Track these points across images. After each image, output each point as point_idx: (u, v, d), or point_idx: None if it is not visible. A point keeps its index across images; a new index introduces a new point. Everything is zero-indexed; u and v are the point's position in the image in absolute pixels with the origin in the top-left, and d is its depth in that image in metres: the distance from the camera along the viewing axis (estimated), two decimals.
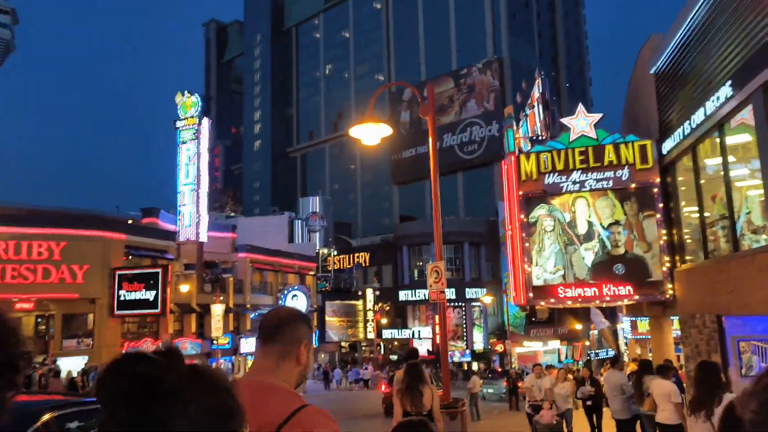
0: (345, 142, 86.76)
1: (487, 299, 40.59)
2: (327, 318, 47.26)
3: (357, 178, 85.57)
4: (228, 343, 30.88)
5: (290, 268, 43.41)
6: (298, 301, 39.12)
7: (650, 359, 10.31)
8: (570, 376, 14.07)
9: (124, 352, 1.03)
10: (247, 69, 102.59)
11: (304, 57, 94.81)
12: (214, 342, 30.52)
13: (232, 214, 57.99)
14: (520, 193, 14.12)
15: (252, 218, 58.72)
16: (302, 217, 53.76)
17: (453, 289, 46.28)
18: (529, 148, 14.80)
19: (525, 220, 14.02)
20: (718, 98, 10.30)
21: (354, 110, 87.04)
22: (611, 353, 38.50)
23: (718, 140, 11.87)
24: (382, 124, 7.90)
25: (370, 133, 8.03)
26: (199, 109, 33.91)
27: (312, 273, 46.13)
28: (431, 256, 47.85)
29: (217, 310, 29.68)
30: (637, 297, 13.32)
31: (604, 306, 20.17)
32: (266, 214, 72.19)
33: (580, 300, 13.63)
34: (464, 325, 46.89)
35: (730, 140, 11.25)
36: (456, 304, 46.64)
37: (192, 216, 32.98)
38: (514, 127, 14.77)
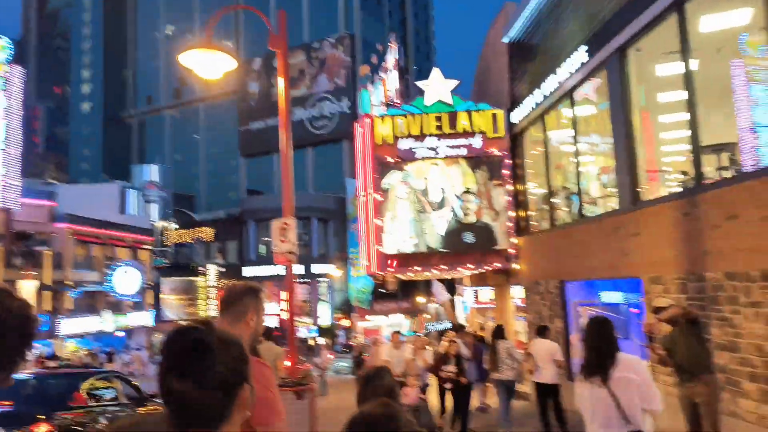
0: (188, 110, 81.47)
1: (336, 272, 40.27)
2: (163, 296, 43.94)
3: (201, 150, 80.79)
4: (41, 325, 27.13)
5: (121, 241, 39.48)
6: (128, 277, 35.71)
7: (502, 325, 10.21)
8: (428, 347, 12.79)
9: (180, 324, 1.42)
10: (75, 22, 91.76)
11: (143, 14, 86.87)
12: None
13: (53, 181, 51.49)
14: (375, 157, 13.48)
15: (76, 186, 52.63)
16: (137, 186, 49.19)
17: (301, 266, 45.48)
18: (384, 112, 14.19)
19: (377, 184, 13.43)
20: (571, 65, 10.35)
21: (198, 78, 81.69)
22: (448, 325, 40.50)
23: (564, 111, 12.13)
24: (224, 53, 6.63)
25: (209, 64, 6.72)
26: (10, 54, 29.08)
27: (148, 247, 42.42)
28: None
29: (28, 287, 25.83)
30: (485, 265, 13.37)
31: (447, 278, 20.46)
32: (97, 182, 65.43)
33: (430, 269, 13.39)
34: (311, 301, 46.31)
35: (575, 112, 11.48)
36: (303, 280, 45.90)
37: (0, 179, 28.36)
38: (370, 89, 14.07)
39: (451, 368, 9.45)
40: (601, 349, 3.69)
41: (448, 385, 9.51)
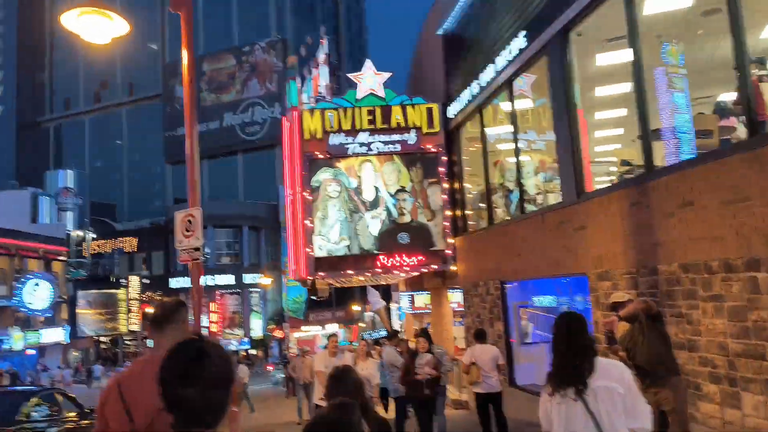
0: (109, 114, 77.46)
1: (266, 281, 38.82)
2: (79, 310, 41.02)
3: (123, 156, 76.99)
4: None
5: (32, 252, 36.53)
6: (40, 290, 32.96)
7: (425, 328, 9.58)
8: (374, 353, 11.19)
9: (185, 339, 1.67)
10: None
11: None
12: None
13: None
14: (304, 153, 12.55)
15: None
16: (50, 192, 45.84)
17: (231, 275, 43.77)
18: (312, 106, 13.28)
19: (306, 182, 12.49)
20: (509, 53, 9.82)
21: (120, 80, 78.10)
22: (383, 333, 39.93)
23: (501, 105, 11.64)
24: (112, 14, 5.57)
25: (96, 27, 5.65)
26: None
27: (62, 258, 39.50)
28: (209, 240, 44.45)
29: None
30: (422, 267, 12.67)
31: (383, 284, 19.73)
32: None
33: (364, 272, 12.55)
34: (242, 312, 44.52)
35: (513, 105, 10.99)
36: (234, 290, 44.13)
37: None
38: (298, 81, 13.14)
39: (427, 365, 7.80)
40: (574, 352, 2.95)
41: (426, 392, 7.76)
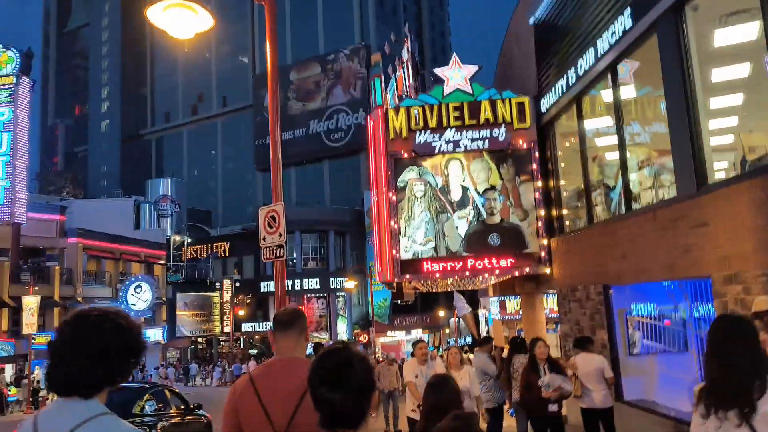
0: (205, 125, 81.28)
1: (351, 284, 38.98)
2: (178, 312, 42.95)
3: (218, 165, 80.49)
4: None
5: (135, 256, 38.68)
6: (142, 293, 34.74)
7: (522, 336, 8.80)
8: (467, 356, 10.03)
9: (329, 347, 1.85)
10: (94, 41, 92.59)
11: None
12: (33, 341, 25.66)
13: (70, 197, 51.06)
14: (389, 153, 12.18)
15: (89, 201, 52.11)
16: (151, 200, 48.46)
17: (317, 279, 44.45)
18: (397, 104, 12.90)
19: (392, 182, 12.10)
20: (611, 35, 8.97)
21: (215, 92, 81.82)
22: (469, 340, 38.91)
23: (602, 94, 10.74)
24: (197, 7, 5.40)
25: (181, 21, 5.51)
26: (17, 65, 28.50)
27: (162, 262, 41.57)
28: (296, 245, 45.42)
29: (31, 302, 24.89)
30: (513, 270, 11.93)
31: (470, 288, 19.06)
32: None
33: (451, 274, 11.98)
34: (328, 316, 45.00)
35: (616, 93, 10.09)
36: (320, 294, 44.72)
37: (6, 192, 27.65)
38: (382, 80, 12.82)
39: (554, 380, 6.64)
40: (738, 367, 2.32)
41: (553, 408, 6.69)
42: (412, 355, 8.18)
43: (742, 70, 8.41)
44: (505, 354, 9.20)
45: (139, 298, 34.72)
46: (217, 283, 44.91)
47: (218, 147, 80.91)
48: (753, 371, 2.27)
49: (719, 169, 7.30)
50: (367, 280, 41.54)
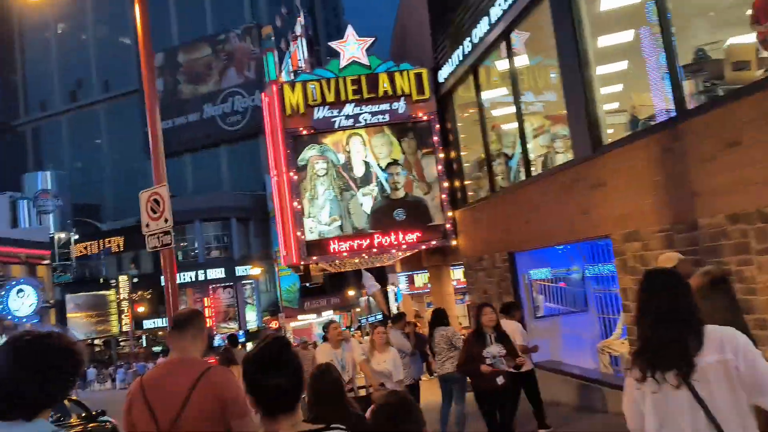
0: (87, 113, 75.55)
1: (256, 271, 38.02)
2: (69, 314, 40.00)
3: (104, 155, 75.30)
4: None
5: (14, 257, 35.40)
6: (25, 297, 31.88)
7: (442, 308, 8.63)
8: (391, 334, 8.38)
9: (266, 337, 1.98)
10: None
11: (28, 12, 79.73)
12: None
13: None
14: (286, 130, 11.64)
15: None
16: (29, 196, 44.49)
17: (222, 269, 43.01)
18: (292, 79, 12.34)
19: (292, 161, 11.60)
20: (505, 1, 8.93)
21: (96, 77, 76.18)
22: (380, 317, 39.28)
23: (497, 64, 10.79)
24: None
25: None
26: None
27: (46, 262, 38.36)
28: (197, 235, 43.57)
29: None
30: (420, 244, 11.87)
31: (377, 266, 18.98)
32: None
33: (359, 253, 11.73)
34: (236, 305, 43.73)
35: (511, 62, 10.14)
36: (226, 283, 43.32)
37: None
38: (275, 53, 12.20)
39: (496, 349, 5.87)
40: (673, 323, 2.16)
41: (500, 381, 5.91)
42: (324, 339, 7.34)
43: (624, 37, 8.67)
44: (420, 330, 9.07)
45: (22, 302, 31.84)
46: (112, 281, 42.24)
47: (103, 136, 75.68)
48: (687, 326, 2.12)
49: (612, 129, 7.45)
50: (274, 265, 40.68)
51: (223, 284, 43.34)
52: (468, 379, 6.60)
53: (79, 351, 1.94)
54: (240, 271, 43.31)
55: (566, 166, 7.85)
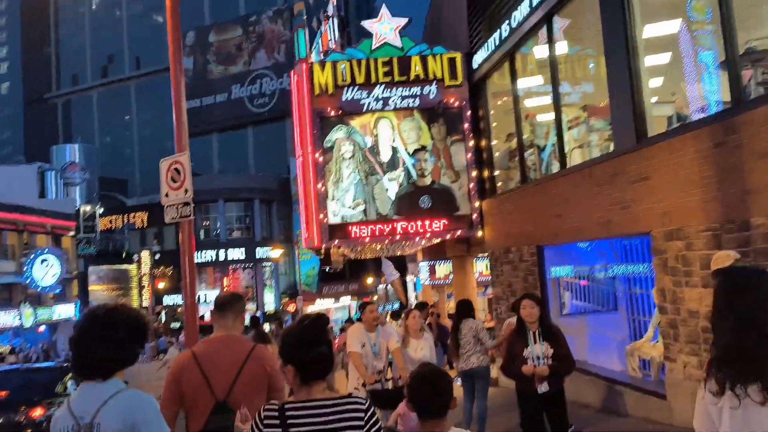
0: (117, 89, 76.32)
1: (277, 253, 38.01)
2: (91, 287, 40.54)
3: (133, 131, 76.06)
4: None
5: (40, 227, 35.90)
6: (48, 266, 32.34)
7: (469, 300, 8.32)
8: (426, 320, 8.29)
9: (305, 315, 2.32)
10: None
11: None
12: None
13: None
14: (314, 110, 11.40)
15: None
16: (57, 168, 45.05)
17: (242, 249, 43.08)
18: (322, 59, 12.07)
19: (318, 142, 11.36)
20: None
21: (128, 54, 76.79)
22: (396, 306, 39.02)
23: (535, 51, 10.39)
24: None
25: None
26: None
27: (71, 234, 38.88)
28: (220, 215, 43.75)
29: None
30: (445, 233, 11.56)
31: (398, 254, 18.72)
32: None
33: (381, 239, 11.47)
34: (255, 286, 43.90)
35: (551, 48, 9.73)
36: (246, 264, 43.45)
37: None
38: (306, 30, 11.93)
39: (540, 349, 5.07)
40: (759, 328, 1.86)
41: (543, 388, 5.08)
42: (359, 319, 6.67)
43: (675, 25, 8.22)
44: (443, 321, 8.78)
45: (46, 272, 32.30)
46: (135, 256, 42.67)
47: (133, 112, 76.43)
48: None
49: (658, 120, 7.05)
50: (295, 248, 40.66)
51: (243, 265, 43.47)
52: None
53: (145, 323, 2.29)
54: (260, 252, 43.38)
55: (605, 159, 7.47)
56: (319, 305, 42.17)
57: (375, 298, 45.14)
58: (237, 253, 43.29)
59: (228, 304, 3.19)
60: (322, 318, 2.25)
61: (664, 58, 8.51)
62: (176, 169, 4.52)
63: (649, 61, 8.57)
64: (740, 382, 1.80)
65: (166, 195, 4.57)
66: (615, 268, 9.06)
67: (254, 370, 2.97)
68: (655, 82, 9.05)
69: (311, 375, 2.13)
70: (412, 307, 10.71)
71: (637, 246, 8.18)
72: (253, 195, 45.16)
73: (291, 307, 41.96)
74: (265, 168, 56.35)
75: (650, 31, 8.19)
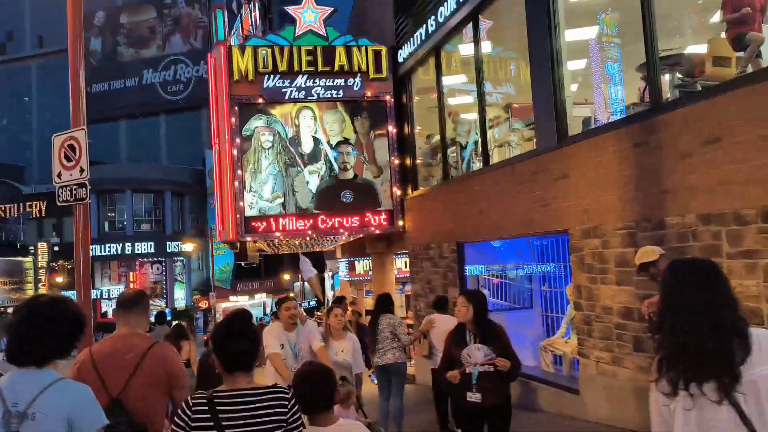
0: (16, 68, 70.75)
1: (188, 247, 36.63)
2: None
3: (33, 115, 70.79)
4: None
5: None
6: None
7: (388, 293, 8.15)
8: (349, 317, 7.99)
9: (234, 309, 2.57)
10: None
11: None
12: None
13: None
14: (232, 96, 10.87)
15: None
16: None
17: (152, 243, 41.18)
18: (242, 43, 11.53)
19: (236, 130, 10.84)
20: None
21: (29, 31, 71.41)
22: (314, 303, 38.65)
23: (459, 48, 10.40)
24: None
25: None
26: None
27: None
28: (127, 206, 41.57)
29: None
30: (367, 229, 11.37)
31: (317, 250, 18.39)
32: None
33: (301, 233, 11.12)
34: (165, 282, 42.04)
35: (467, 50, 9.79)
36: (155, 259, 41.53)
37: None
38: (225, 11, 11.36)
39: (478, 353, 4.40)
40: (710, 323, 1.75)
41: (473, 398, 4.37)
42: (275, 316, 5.93)
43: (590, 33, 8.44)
44: (363, 321, 8.56)
45: None
46: (31, 247, 39.72)
47: (33, 94, 71.14)
48: (730, 327, 1.72)
49: (577, 121, 7.17)
50: (209, 243, 39.29)
51: (152, 259, 41.57)
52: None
53: (84, 315, 2.36)
54: (171, 246, 41.66)
55: (527, 157, 7.53)
56: (233, 302, 41.08)
57: (291, 295, 44.44)
58: (145, 247, 41.36)
59: (131, 302, 3.20)
60: (245, 313, 2.43)
61: (581, 63, 8.76)
62: (71, 146, 4.02)
63: (571, 65, 8.80)
64: (695, 381, 1.69)
65: (59, 175, 4.06)
66: (531, 266, 9.21)
67: (152, 369, 2.96)
68: (575, 86, 9.32)
69: (236, 367, 2.28)
70: (330, 304, 10.44)
71: (553, 244, 8.33)
72: (165, 187, 43.37)
73: (203, 304, 40.56)
74: (178, 159, 54.02)
75: (570, 36, 8.39)
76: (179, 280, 43.43)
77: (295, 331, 5.52)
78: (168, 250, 41.53)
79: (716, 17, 6.09)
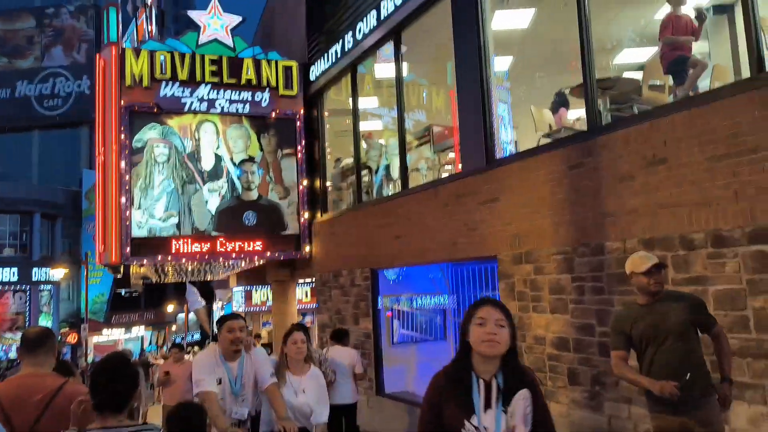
0: None
1: (59, 273, 33.34)
2: None
3: None
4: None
5: None
6: None
7: (301, 323, 7.46)
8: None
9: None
10: None
11: None
12: None
13: None
14: (123, 103, 9.76)
15: None
16: None
17: (15, 269, 37.04)
18: (137, 46, 10.48)
19: (126, 141, 9.70)
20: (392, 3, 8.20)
21: None
22: (197, 336, 36.34)
23: (375, 67, 10.09)
24: None
25: None
26: None
27: None
28: None
29: None
30: (271, 254, 10.54)
31: (210, 278, 17.16)
32: None
33: (198, 257, 10.08)
34: (28, 313, 37.82)
35: (385, 70, 9.51)
36: (18, 287, 37.36)
37: None
38: (119, 9, 10.28)
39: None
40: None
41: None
42: (214, 339, 4.43)
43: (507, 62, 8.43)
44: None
45: None
46: None
47: None
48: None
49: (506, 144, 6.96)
50: (83, 269, 35.94)
51: (14, 287, 37.38)
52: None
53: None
54: (38, 274, 37.71)
55: (451, 179, 7.19)
56: (106, 336, 37.82)
57: (173, 328, 41.65)
58: (7, 274, 37.20)
59: (38, 342, 3.12)
60: (120, 356, 2.47)
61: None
62: None
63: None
64: None
65: None
66: (443, 296, 8.87)
67: (63, 407, 2.81)
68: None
69: (104, 406, 2.30)
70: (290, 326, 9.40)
71: (475, 272, 8.03)
72: (34, 208, 39.49)
73: (71, 338, 36.82)
74: (52, 179, 49.57)
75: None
76: (45, 311, 39.31)
77: (237, 360, 4.22)
78: (34, 278, 37.56)
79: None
